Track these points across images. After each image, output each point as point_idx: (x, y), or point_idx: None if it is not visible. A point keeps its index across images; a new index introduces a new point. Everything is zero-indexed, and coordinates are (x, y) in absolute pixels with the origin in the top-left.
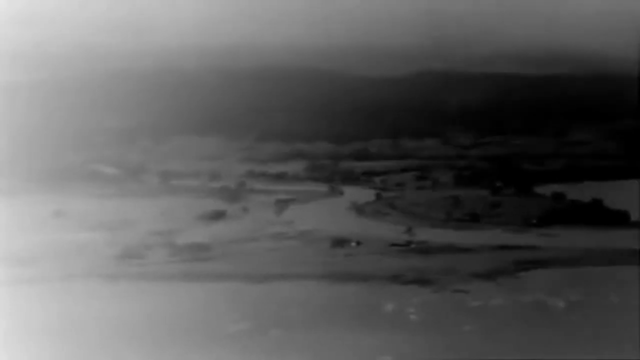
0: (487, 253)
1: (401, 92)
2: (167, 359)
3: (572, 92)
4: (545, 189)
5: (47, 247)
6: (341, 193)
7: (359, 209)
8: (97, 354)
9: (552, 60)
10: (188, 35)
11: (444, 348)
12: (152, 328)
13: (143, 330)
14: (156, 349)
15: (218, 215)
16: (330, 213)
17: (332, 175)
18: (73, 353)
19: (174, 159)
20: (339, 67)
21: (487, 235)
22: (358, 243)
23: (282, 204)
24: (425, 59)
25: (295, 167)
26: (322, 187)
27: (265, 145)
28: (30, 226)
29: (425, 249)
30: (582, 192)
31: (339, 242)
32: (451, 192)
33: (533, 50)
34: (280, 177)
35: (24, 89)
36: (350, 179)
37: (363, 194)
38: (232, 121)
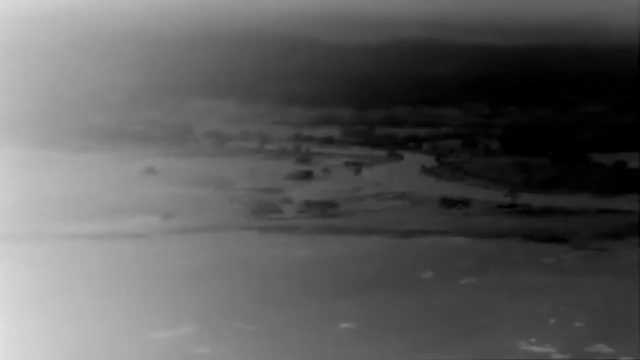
0: (593, 216)
1: (396, 61)
2: (367, 300)
3: (574, 63)
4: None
5: (169, 201)
6: (401, 158)
7: (433, 173)
8: (270, 297)
9: (550, 31)
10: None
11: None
12: (317, 275)
13: (318, 275)
14: (345, 293)
15: (306, 176)
16: (407, 176)
17: (380, 140)
18: (237, 295)
19: (206, 120)
20: (329, 35)
21: (578, 199)
22: (464, 204)
23: (355, 167)
24: (417, 28)
25: (332, 131)
26: (379, 152)
27: (288, 109)
28: (131, 182)
29: (532, 211)
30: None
31: (448, 203)
32: (513, 159)
33: (526, 20)
34: (329, 141)
35: (25, 48)
36: (399, 144)
37: (422, 159)
38: (245, 85)
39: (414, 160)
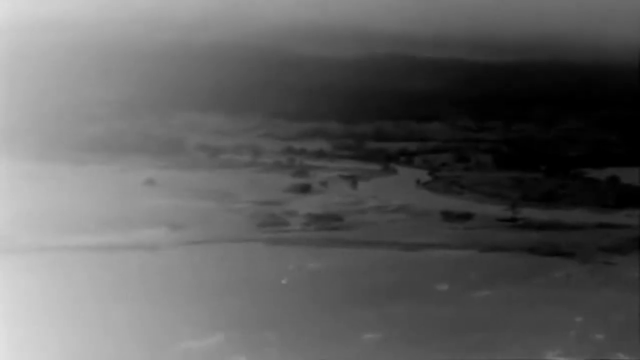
0: (594, 230)
1: (375, 75)
2: (388, 311)
3: (554, 79)
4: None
5: (173, 213)
6: (395, 171)
7: (429, 187)
8: (281, 309)
9: (529, 47)
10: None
11: None
12: (333, 287)
13: (335, 287)
14: (364, 304)
15: (304, 189)
16: (404, 189)
17: (371, 154)
18: (259, 307)
19: (195, 133)
20: (308, 49)
21: (577, 214)
22: (465, 218)
23: (351, 180)
24: (395, 42)
25: (322, 145)
26: (372, 165)
27: (274, 122)
28: (133, 194)
29: (533, 225)
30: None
31: (450, 216)
32: (506, 173)
33: (505, 36)
34: (320, 155)
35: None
36: (391, 158)
37: (416, 173)
38: (230, 99)
39: (408, 174)
